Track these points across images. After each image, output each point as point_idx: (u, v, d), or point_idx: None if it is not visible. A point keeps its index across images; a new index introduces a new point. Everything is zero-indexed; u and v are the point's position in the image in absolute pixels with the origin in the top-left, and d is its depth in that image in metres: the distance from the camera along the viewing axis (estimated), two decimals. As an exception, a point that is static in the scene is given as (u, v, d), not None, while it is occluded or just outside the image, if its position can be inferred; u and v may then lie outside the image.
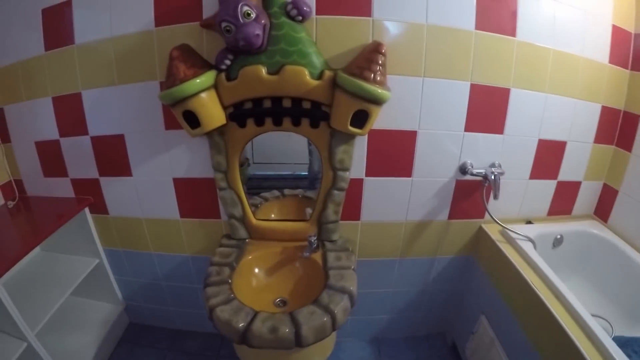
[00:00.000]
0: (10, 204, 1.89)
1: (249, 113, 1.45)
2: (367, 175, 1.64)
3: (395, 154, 1.60)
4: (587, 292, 1.82)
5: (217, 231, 1.81)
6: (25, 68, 1.69)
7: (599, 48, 1.66)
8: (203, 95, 1.36)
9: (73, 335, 2.00)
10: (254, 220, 1.68)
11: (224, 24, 1.26)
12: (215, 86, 1.40)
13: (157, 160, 1.68)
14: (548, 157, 1.75)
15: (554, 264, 1.57)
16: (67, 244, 1.99)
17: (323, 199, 1.60)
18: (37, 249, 2.06)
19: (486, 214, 1.80)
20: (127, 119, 1.64)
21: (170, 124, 1.58)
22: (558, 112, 1.67)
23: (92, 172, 1.79)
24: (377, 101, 1.33)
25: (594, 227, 1.90)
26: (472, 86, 1.53)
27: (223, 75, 1.38)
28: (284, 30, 1.32)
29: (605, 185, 1.95)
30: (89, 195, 1.86)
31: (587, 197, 1.96)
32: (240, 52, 1.34)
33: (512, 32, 1.50)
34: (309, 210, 1.68)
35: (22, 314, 1.52)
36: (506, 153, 1.68)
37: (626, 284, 1.73)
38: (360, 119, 1.37)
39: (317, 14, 1.37)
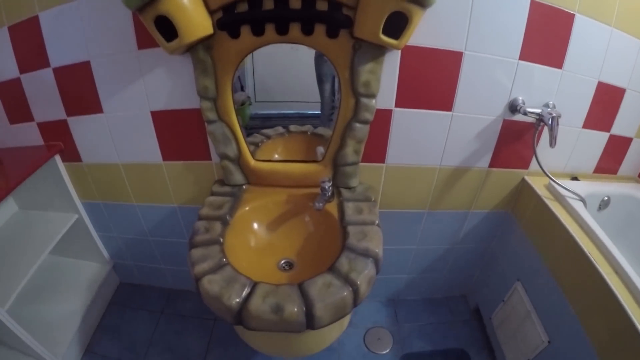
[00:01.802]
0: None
1: (243, 18, 1.00)
2: (397, 105, 1.20)
3: (434, 80, 1.17)
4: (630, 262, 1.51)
5: (207, 176, 1.40)
6: None
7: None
8: (180, -8, 0.92)
9: (57, 301, 1.68)
10: (252, 161, 1.26)
11: None
12: (198, -20, 0.95)
13: (131, 90, 1.25)
14: (605, 104, 1.36)
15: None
16: (42, 200, 1.64)
17: (341, 133, 1.17)
18: (14, 207, 1.72)
19: (531, 164, 1.42)
20: (92, 41, 1.20)
21: (144, 40, 1.14)
22: (621, 53, 1.26)
23: (58, 112, 1.37)
24: (422, 0, 0.88)
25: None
26: (533, 2, 1.10)
27: (207, -38, 0.93)
28: None
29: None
30: (59, 140, 1.45)
31: (635, 157, 1.58)
32: None
33: None
34: (320, 150, 1.26)
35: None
36: (562, 93, 1.27)
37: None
38: (395, 25, 0.93)
39: None
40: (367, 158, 1.30)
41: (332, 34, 1.01)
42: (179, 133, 1.31)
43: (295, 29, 1.01)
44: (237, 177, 1.29)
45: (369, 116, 1.13)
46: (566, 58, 1.21)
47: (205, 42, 1.04)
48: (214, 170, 1.39)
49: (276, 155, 1.35)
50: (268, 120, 1.39)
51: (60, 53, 1.26)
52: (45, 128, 1.44)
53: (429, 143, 1.29)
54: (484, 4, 1.07)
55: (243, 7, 0.99)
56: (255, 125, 1.36)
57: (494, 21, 1.11)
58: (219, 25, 1.01)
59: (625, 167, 1.60)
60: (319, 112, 1.31)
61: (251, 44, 1.04)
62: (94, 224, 1.71)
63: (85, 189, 1.58)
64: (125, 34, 1.15)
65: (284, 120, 1.39)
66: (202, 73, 1.09)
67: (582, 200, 1.33)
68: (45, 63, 1.28)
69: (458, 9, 1.07)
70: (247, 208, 1.20)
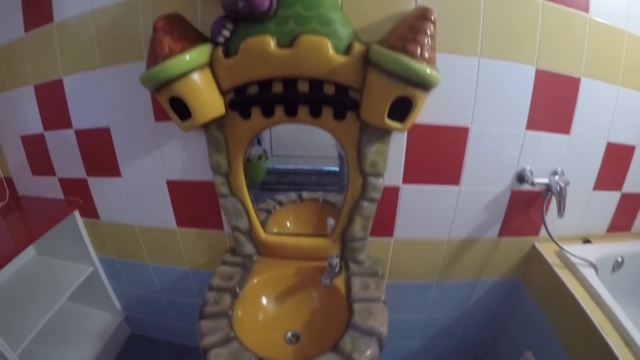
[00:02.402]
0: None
1: (254, 100, 1.02)
2: (404, 182, 1.19)
3: (440, 156, 1.16)
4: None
5: (220, 244, 1.39)
6: (6, 54, 1.35)
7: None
8: (194, 76, 0.95)
9: (67, 347, 1.68)
10: (262, 235, 1.25)
11: (217, -23, 0.84)
12: (211, 65, 0.98)
13: (148, 159, 1.28)
14: (615, 164, 1.32)
15: (611, 291, 1.20)
16: (60, 249, 1.67)
17: (349, 211, 1.16)
18: (32, 252, 1.77)
19: (541, 230, 1.37)
20: (112, 109, 1.25)
21: (161, 114, 1.18)
22: (629, 110, 1.24)
23: (79, 171, 1.42)
24: (426, 84, 0.89)
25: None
26: (538, 72, 1.09)
27: (220, 50, 0.96)
28: None
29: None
30: (78, 196, 1.49)
31: None
32: (241, 19, 0.93)
33: (585, 7, 1.06)
34: (330, 222, 1.25)
35: (7, 330, 1.30)
36: (571, 158, 1.25)
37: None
38: (401, 109, 0.93)
39: None
40: (375, 232, 1.27)
41: (339, 116, 1.01)
42: (193, 202, 1.32)
43: (303, 111, 1.02)
44: (248, 248, 1.28)
45: (376, 195, 1.12)
46: (573, 123, 1.20)
47: (218, 120, 1.06)
48: (226, 239, 1.38)
49: (288, 224, 1.35)
50: (284, 176, 1.39)
51: (82, 116, 1.32)
52: (66, 184, 1.49)
53: (436, 217, 1.26)
54: (489, 79, 1.07)
55: (254, 90, 1.01)
56: (270, 181, 1.36)
57: (500, 95, 1.10)
58: (230, 105, 1.04)
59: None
60: (337, 169, 1.29)
61: (261, 124, 1.06)
62: (109, 277, 1.71)
63: (101, 245, 1.60)
64: (143, 106, 1.19)
65: (300, 176, 1.39)
66: (215, 149, 1.11)
67: (593, 266, 1.27)
68: (67, 124, 1.34)
69: (463, 86, 1.07)
70: (255, 280, 1.18)
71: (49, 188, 1.53)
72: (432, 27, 0.89)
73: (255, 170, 1.32)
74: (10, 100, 1.43)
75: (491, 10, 1.00)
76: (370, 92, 0.94)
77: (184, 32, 0.96)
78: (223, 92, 1.02)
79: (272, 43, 0.92)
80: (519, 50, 1.06)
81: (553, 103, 1.15)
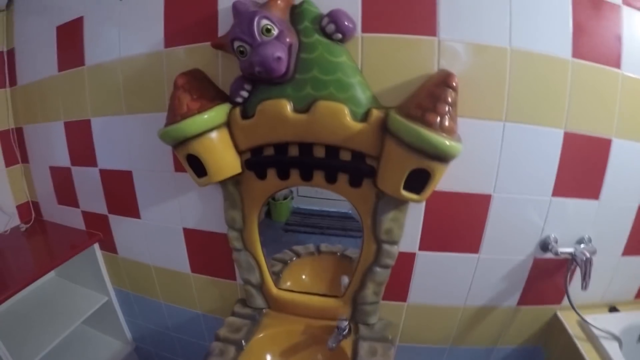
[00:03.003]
0: (23, 226, 1.64)
1: (269, 162, 1.00)
2: (421, 249, 1.14)
3: (460, 224, 1.11)
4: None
5: (232, 293, 1.37)
6: (41, 88, 1.42)
7: None
8: (211, 135, 0.95)
9: None
10: (274, 290, 1.22)
11: (236, 44, 0.85)
12: (229, 124, 0.97)
13: (167, 206, 1.28)
14: None
15: None
16: (79, 275, 1.70)
17: (361, 276, 1.12)
18: (51, 273, 1.78)
19: (564, 299, 1.27)
20: (135, 155, 1.27)
21: (180, 165, 1.18)
22: None
23: (101, 207, 1.44)
24: (444, 157, 0.84)
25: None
26: (566, 135, 1.03)
27: (238, 110, 0.95)
28: (317, 52, 0.88)
29: None
30: (99, 230, 1.51)
31: None
32: (259, 81, 0.92)
33: (617, 62, 1.01)
34: (345, 281, 1.20)
35: (18, 346, 1.33)
36: (599, 224, 1.16)
37: None
38: (417, 180, 0.89)
39: (363, 31, 0.93)
40: (388, 296, 1.21)
41: (355, 183, 0.98)
42: (208, 251, 1.31)
43: (319, 176, 1.00)
44: (258, 301, 1.25)
45: (390, 262, 1.08)
46: (603, 187, 1.11)
47: (235, 177, 1.05)
48: (238, 290, 1.36)
49: (303, 277, 1.31)
50: (308, 217, 1.36)
51: (106, 157, 1.35)
52: (89, 217, 1.52)
53: (453, 284, 1.20)
54: (514, 144, 1.02)
55: (270, 151, 1.00)
56: (295, 221, 1.34)
57: (525, 160, 1.05)
58: (247, 165, 1.02)
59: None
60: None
61: (276, 185, 1.04)
62: (122, 308, 1.71)
63: (117, 278, 1.61)
64: (163, 156, 1.20)
65: (325, 218, 1.35)
66: (231, 205, 1.10)
67: (617, 339, 1.18)
68: (93, 162, 1.37)
69: (486, 152, 1.03)
70: (262, 335, 1.15)
71: (72, 218, 1.56)
72: (453, 94, 0.85)
73: (280, 210, 1.31)
74: (43, 132, 1.49)
75: (517, 72, 0.96)
76: (386, 161, 0.91)
77: (203, 91, 0.96)
78: (240, 151, 1.01)
79: (288, 107, 0.91)
80: (547, 113, 1.01)
81: (582, 167, 1.09)
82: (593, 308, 1.27)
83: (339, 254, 1.33)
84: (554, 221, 1.13)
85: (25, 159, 1.62)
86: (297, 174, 1.01)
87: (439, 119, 0.83)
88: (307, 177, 1.00)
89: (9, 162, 1.59)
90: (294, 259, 1.33)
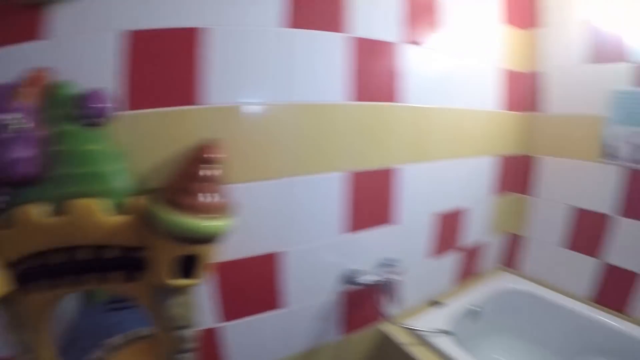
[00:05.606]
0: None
1: (34, 273, 0.85)
2: (228, 319, 1.05)
3: (262, 285, 1.06)
4: (522, 349, 1.49)
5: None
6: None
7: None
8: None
9: None
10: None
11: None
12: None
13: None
14: (445, 229, 1.35)
15: (481, 334, 1.38)
16: None
17: (167, 365, 1.01)
18: None
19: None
20: None
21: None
22: (451, 177, 1.30)
23: None
24: (204, 239, 0.75)
25: (508, 280, 1.58)
26: (347, 176, 1.07)
27: (-1, 220, 0.82)
28: (66, 142, 0.79)
29: (511, 235, 1.64)
30: None
31: (493, 251, 1.59)
32: (16, 184, 0.79)
33: (390, 97, 1.09)
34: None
35: None
36: (398, 241, 1.24)
37: (555, 327, 1.46)
38: (186, 265, 0.78)
39: (131, 108, 0.84)
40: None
41: (129, 278, 0.86)
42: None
43: (91, 278, 0.86)
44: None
45: (191, 344, 0.95)
46: (393, 211, 1.18)
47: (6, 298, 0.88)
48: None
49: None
50: None
51: None
52: None
53: (271, 340, 1.13)
54: (300, 197, 1.02)
55: (32, 261, 0.85)
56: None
57: (313, 210, 1.05)
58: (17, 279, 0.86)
59: (487, 262, 1.57)
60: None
61: (51, 295, 0.88)
62: None
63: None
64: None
65: None
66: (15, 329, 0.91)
67: (445, 332, 1.22)
68: None
69: (275, 212, 1.01)
70: None
71: None
72: (210, 169, 0.77)
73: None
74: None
75: (296, 125, 0.97)
76: (150, 251, 0.80)
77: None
78: (9, 265, 0.85)
79: (37, 213, 0.78)
80: (326, 160, 1.03)
81: (369, 199, 1.13)
82: (418, 311, 1.34)
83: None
84: (350, 255, 1.15)
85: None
86: (69, 281, 0.86)
87: (192, 199, 0.75)
88: (80, 280, 0.86)
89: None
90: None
